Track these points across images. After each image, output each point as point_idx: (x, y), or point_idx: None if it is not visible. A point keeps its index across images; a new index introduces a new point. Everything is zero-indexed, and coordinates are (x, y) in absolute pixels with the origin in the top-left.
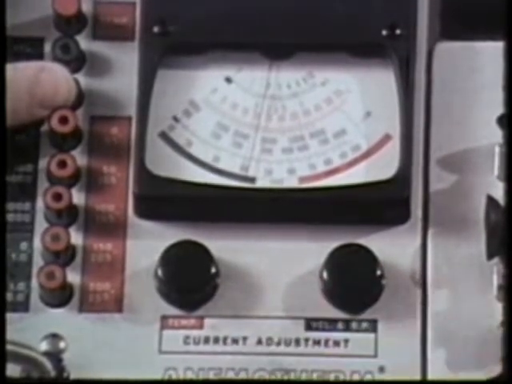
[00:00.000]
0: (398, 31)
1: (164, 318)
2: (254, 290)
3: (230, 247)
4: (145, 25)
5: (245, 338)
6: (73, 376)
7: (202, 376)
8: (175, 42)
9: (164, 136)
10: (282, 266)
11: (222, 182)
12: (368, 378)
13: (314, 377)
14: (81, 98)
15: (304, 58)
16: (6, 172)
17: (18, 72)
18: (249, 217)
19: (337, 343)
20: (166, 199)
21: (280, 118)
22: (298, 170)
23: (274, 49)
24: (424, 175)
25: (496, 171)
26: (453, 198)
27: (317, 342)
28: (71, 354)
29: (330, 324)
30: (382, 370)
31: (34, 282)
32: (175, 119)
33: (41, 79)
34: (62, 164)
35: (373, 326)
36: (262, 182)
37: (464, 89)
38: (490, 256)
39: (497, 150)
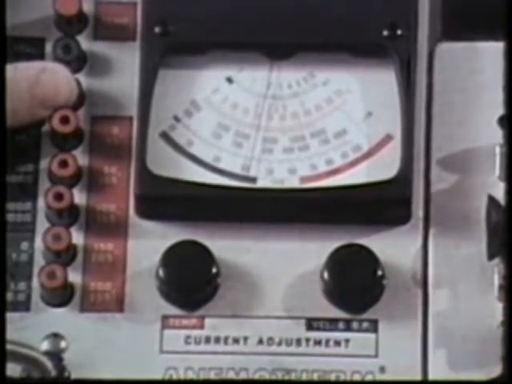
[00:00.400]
0: (398, 31)
1: (165, 317)
2: (254, 289)
3: (230, 247)
4: (146, 25)
5: (246, 338)
6: (73, 376)
7: (202, 376)
8: (176, 41)
9: (165, 136)
10: (282, 266)
11: (222, 182)
12: (369, 378)
13: (315, 377)
14: (82, 98)
15: (305, 58)
16: (7, 172)
17: (19, 72)
18: (250, 217)
19: (338, 343)
20: (166, 199)
21: (281, 118)
22: (298, 169)
23: (275, 49)
24: (425, 175)
25: (497, 171)
26: (454, 198)
27: (318, 342)
28: (72, 353)
29: (331, 324)
30: (382, 370)
31: (35, 282)
32: (176, 119)
33: (42, 79)
34: (63, 164)
35: (374, 326)
36: (263, 182)
37: (465, 89)
38: (490, 256)
39: (497, 150)
